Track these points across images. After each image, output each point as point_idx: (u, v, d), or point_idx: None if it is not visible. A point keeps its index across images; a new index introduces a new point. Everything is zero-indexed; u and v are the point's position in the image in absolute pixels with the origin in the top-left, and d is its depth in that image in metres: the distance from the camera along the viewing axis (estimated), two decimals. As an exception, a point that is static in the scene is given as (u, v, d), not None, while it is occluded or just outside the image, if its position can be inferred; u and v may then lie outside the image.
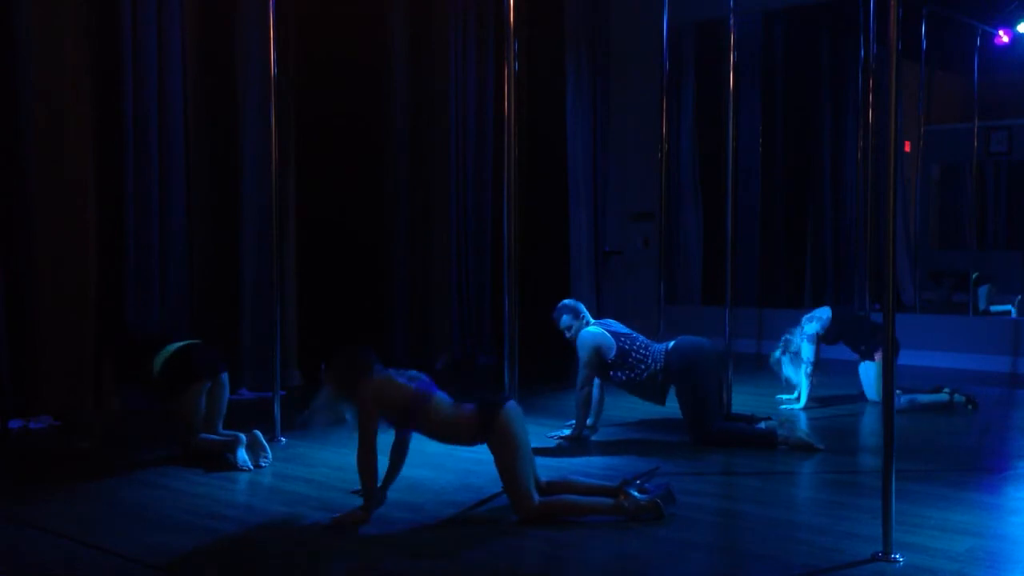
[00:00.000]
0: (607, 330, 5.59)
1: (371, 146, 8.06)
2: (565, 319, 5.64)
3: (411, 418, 4.11)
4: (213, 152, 7.10)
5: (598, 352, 5.51)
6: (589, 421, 5.71)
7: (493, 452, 4.08)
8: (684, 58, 10.22)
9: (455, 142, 8.69)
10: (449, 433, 4.15)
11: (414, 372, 4.24)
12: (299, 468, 4.99)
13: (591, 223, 9.92)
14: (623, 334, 5.60)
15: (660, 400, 5.60)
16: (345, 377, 4.13)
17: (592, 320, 5.70)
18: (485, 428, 4.03)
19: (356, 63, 7.96)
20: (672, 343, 5.56)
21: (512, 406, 4.10)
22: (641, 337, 5.65)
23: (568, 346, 5.69)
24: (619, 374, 5.53)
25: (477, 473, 4.79)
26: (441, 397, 4.17)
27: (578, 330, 5.60)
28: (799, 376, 6.51)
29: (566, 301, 5.76)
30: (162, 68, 6.67)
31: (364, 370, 4.12)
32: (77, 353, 6.31)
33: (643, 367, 5.50)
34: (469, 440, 4.15)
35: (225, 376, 5.23)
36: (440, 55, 8.54)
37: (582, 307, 5.70)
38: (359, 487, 4.40)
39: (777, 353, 6.55)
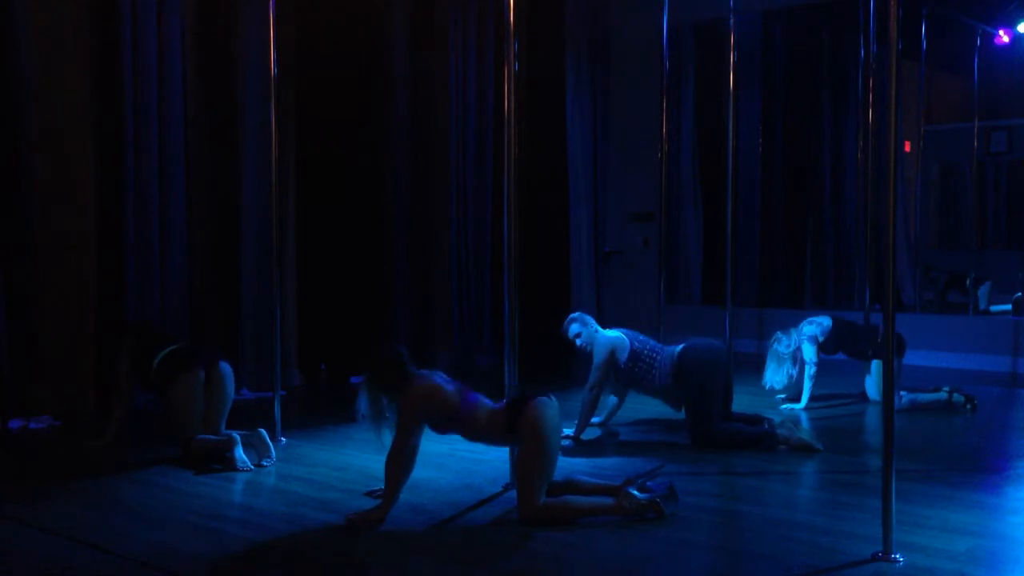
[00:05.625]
0: (624, 333, 5.66)
1: (371, 146, 8.05)
2: (574, 328, 5.72)
3: (455, 423, 4.14)
4: (213, 152, 7.09)
5: (613, 354, 5.56)
6: (596, 420, 5.75)
7: (519, 447, 4.10)
8: (684, 58, 10.21)
9: (455, 142, 8.69)
10: (484, 435, 4.18)
11: (446, 376, 4.24)
12: (299, 468, 4.99)
13: (591, 223, 9.91)
14: (638, 338, 5.66)
15: (676, 406, 5.64)
16: (385, 375, 4.14)
17: (600, 328, 5.76)
18: (511, 427, 4.05)
19: (356, 63, 7.96)
20: (681, 347, 5.57)
21: (543, 401, 4.08)
22: (652, 341, 5.71)
23: (571, 348, 5.73)
24: (631, 375, 5.57)
25: (477, 473, 4.79)
26: (482, 402, 4.19)
27: (589, 336, 5.66)
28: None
29: (572, 314, 5.87)
30: (162, 68, 6.67)
31: (402, 368, 4.14)
32: (77, 353, 6.31)
33: (653, 371, 5.53)
34: (500, 440, 4.20)
35: (225, 367, 5.23)
36: (440, 55, 8.54)
37: (588, 316, 5.79)
38: (368, 489, 4.42)
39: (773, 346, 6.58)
